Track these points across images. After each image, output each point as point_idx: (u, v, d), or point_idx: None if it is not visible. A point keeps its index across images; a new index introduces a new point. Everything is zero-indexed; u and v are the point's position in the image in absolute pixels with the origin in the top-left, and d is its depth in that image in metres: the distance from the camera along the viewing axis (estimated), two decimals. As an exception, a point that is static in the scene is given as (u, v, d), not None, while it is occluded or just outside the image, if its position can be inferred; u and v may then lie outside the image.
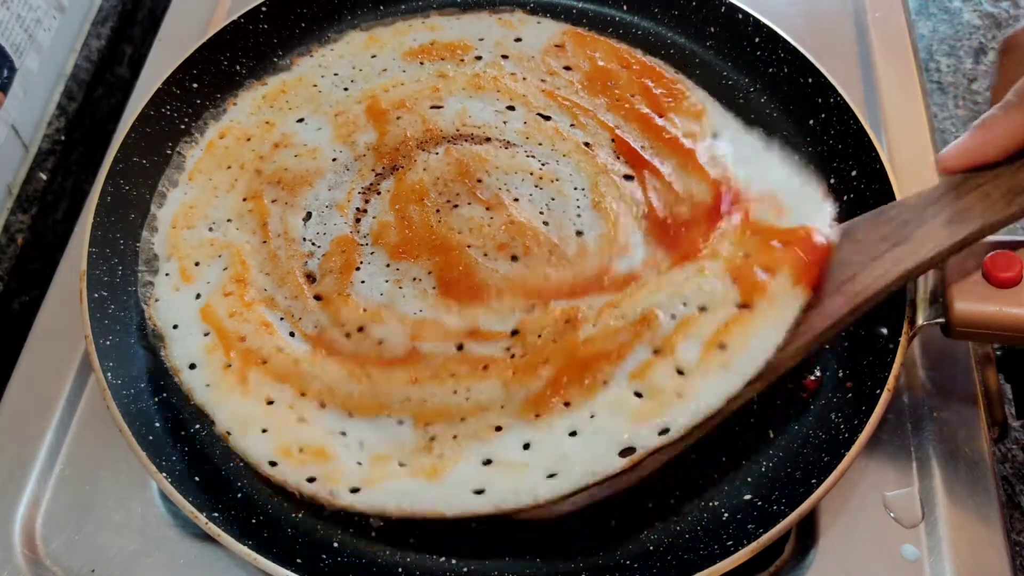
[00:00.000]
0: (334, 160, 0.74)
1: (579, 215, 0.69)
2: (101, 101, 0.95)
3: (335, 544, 0.60)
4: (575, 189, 0.71)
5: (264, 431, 0.62)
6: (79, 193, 0.90)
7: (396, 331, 0.65)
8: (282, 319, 0.67)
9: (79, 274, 0.67)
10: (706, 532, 0.60)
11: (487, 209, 0.70)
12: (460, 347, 0.64)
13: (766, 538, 0.56)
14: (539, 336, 0.63)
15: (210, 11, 0.93)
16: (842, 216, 0.64)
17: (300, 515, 0.62)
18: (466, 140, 0.74)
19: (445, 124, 0.75)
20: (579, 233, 0.69)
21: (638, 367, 0.60)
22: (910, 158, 0.79)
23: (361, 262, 0.69)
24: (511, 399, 0.60)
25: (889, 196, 0.67)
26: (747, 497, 0.61)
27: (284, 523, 0.61)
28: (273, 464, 0.60)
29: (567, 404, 0.59)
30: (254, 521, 0.61)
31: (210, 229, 0.72)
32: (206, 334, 0.67)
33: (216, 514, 0.59)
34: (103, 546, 0.64)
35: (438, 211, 0.70)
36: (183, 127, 0.77)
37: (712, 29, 0.80)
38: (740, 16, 0.77)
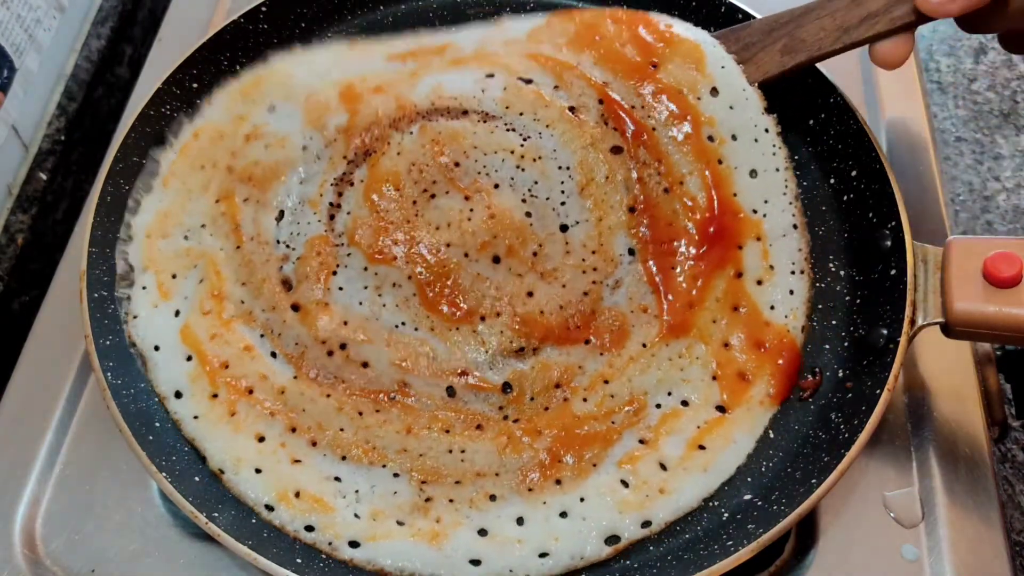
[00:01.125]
0: (304, 148, 0.71)
1: (563, 203, 0.68)
2: (101, 101, 0.95)
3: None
4: (559, 169, 0.68)
5: (258, 471, 0.62)
6: (79, 193, 0.90)
7: (381, 353, 0.64)
8: (262, 336, 0.66)
9: (79, 274, 0.67)
10: (706, 532, 0.60)
11: (466, 199, 0.67)
12: (452, 392, 0.64)
13: (766, 538, 0.56)
14: (532, 398, 0.64)
15: (210, 11, 0.93)
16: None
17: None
18: (442, 115, 0.70)
19: (419, 98, 0.70)
20: (564, 228, 0.68)
21: (626, 455, 0.62)
22: (910, 158, 0.79)
23: (338, 265, 0.67)
24: (505, 468, 0.62)
25: (889, 196, 0.67)
26: (747, 497, 0.61)
27: (284, 523, 0.61)
28: (270, 508, 0.61)
29: (559, 483, 0.61)
30: (254, 521, 0.60)
31: (185, 238, 0.70)
32: (188, 358, 0.66)
33: (216, 514, 0.59)
34: (103, 546, 0.64)
35: (414, 203, 0.67)
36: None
37: (712, 29, 0.79)
38: (740, 16, 0.77)
